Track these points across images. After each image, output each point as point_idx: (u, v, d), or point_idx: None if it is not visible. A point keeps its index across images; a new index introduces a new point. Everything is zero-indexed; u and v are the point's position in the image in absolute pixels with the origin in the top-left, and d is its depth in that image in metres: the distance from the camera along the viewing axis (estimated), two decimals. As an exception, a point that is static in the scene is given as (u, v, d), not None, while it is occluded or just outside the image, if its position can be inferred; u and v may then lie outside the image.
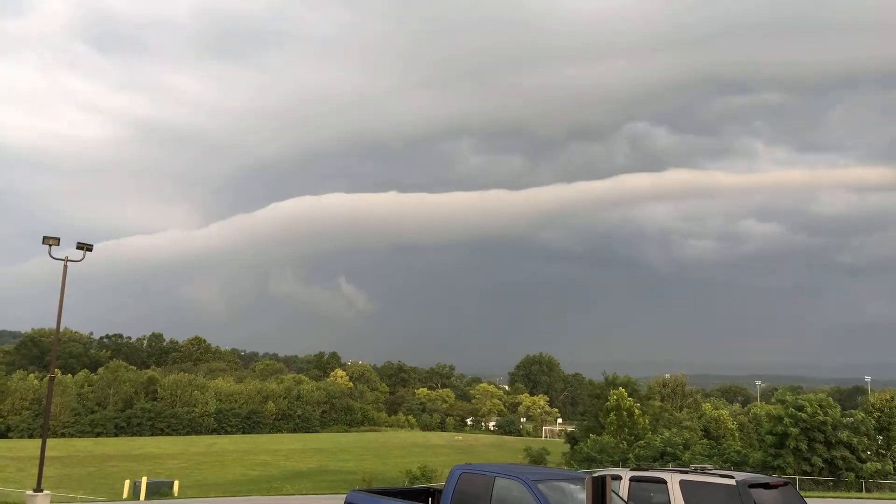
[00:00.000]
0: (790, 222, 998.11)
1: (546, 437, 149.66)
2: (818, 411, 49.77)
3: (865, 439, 52.54)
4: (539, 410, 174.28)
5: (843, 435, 50.28)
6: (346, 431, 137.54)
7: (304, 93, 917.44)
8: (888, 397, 57.38)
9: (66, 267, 40.69)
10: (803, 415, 49.57)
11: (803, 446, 49.85)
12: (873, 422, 54.55)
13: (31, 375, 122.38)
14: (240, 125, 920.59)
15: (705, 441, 65.20)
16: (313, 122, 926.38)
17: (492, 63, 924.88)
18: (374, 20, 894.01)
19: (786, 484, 15.11)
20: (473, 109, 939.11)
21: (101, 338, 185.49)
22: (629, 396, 70.40)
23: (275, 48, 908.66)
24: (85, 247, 36.98)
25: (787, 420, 49.71)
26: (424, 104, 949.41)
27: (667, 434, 56.32)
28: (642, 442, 58.47)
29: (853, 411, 56.80)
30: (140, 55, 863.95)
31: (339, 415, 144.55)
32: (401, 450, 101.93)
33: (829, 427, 49.99)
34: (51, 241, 37.44)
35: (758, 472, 27.61)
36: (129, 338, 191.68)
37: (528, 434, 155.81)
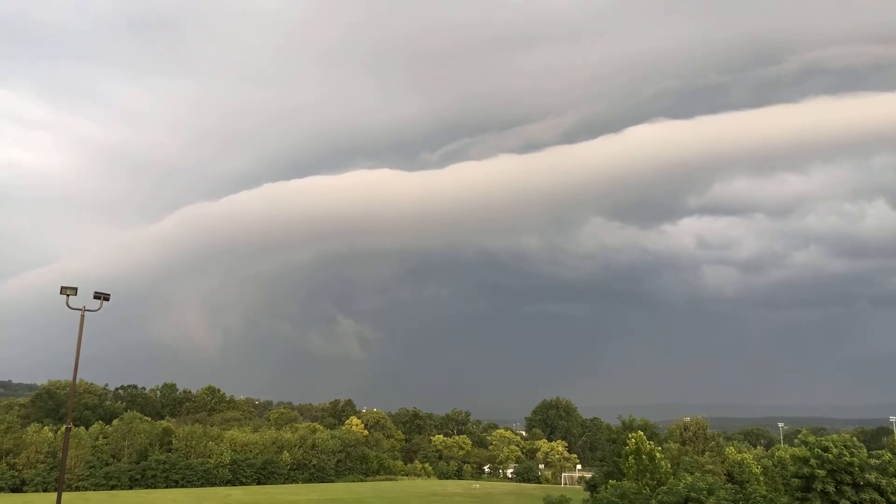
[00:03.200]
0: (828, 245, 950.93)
1: (565, 483, 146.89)
2: (844, 452, 48.68)
3: (894, 481, 51.20)
4: (557, 456, 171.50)
5: (871, 476, 49.05)
6: (362, 481, 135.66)
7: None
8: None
9: (83, 317, 40.85)
10: (829, 456, 48.48)
11: (831, 489, 48.62)
12: (901, 462, 53.21)
13: (46, 428, 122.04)
14: (189, 139, 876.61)
15: (730, 486, 63.82)
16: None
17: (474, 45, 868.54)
18: (334, 12, 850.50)
19: None
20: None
21: (116, 389, 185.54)
22: (648, 440, 69.17)
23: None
24: (102, 296, 37.17)
25: (813, 461, 48.61)
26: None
27: (690, 479, 55.12)
28: (665, 487, 57.25)
29: (880, 452, 55.51)
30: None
31: (354, 464, 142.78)
32: (418, 499, 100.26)
33: (857, 469, 48.81)
34: (68, 291, 37.67)
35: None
36: (144, 388, 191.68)
37: (547, 481, 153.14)
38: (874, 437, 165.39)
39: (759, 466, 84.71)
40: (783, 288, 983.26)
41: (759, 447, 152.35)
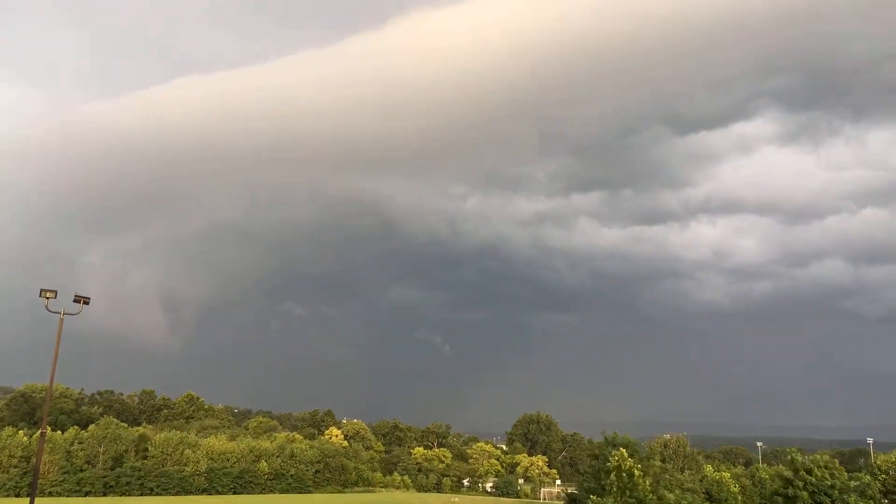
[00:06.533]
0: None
1: (544, 498, 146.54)
2: (826, 475, 49.02)
3: (872, 503, 51.52)
4: (537, 471, 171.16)
5: (851, 499, 49.33)
6: (341, 492, 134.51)
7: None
8: (894, 459, 56.34)
9: (61, 321, 40.20)
10: (812, 479, 48.79)
11: (810, 510, 48.89)
12: (879, 485, 53.59)
13: (21, 432, 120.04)
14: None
15: (708, 504, 63.96)
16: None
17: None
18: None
19: None
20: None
21: (93, 394, 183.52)
22: (630, 457, 69.12)
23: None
24: (82, 300, 36.58)
25: (797, 482, 48.92)
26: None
27: (672, 497, 55.13)
28: (645, 505, 57.20)
29: (859, 474, 55.92)
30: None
31: (333, 474, 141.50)
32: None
33: (836, 491, 49.09)
34: (48, 293, 37.06)
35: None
36: (121, 394, 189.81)
37: (526, 496, 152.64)
38: (851, 458, 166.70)
39: (738, 485, 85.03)
40: (776, 300, 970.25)
41: (738, 466, 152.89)
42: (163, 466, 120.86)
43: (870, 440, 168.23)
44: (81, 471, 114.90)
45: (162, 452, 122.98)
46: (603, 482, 67.90)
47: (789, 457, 53.86)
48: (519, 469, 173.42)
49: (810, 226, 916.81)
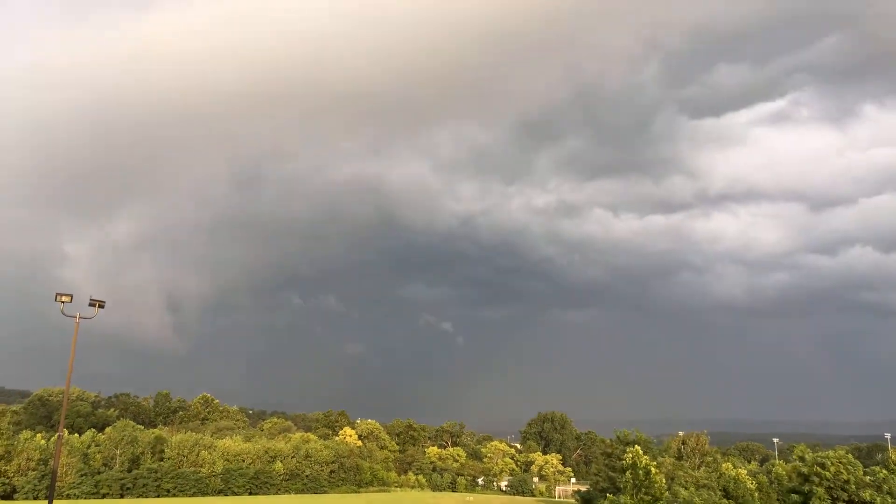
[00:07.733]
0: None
1: (559, 497, 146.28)
2: (841, 470, 48.78)
3: (889, 498, 51.12)
4: (552, 470, 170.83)
5: (866, 494, 48.99)
6: (356, 492, 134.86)
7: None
8: (911, 454, 55.96)
9: (77, 326, 40.57)
10: (827, 474, 48.60)
11: (827, 506, 48.65)
12: (896, 480, 53.18)
13: (39, 435, 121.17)
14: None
15: (725, 501, 63.67)
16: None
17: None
18: None
19: None
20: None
21: (109, 397, 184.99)
22: (644, 454, 68.89)
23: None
24: (98, 303, 36.84)
25: (815, 479, 48.76)
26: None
27: (685, 493, 54.93)
28: (661, 503, 57.03)
29: (875, 468, 55.49)
30: None
31: (347, 474, 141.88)
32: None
33: (853, 486, 48.80)
34: (63, 297, 37.38)
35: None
36: (137, 396, 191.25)
37: (541, 494, 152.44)
38: (868, 453, 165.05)
39: (754, 482, 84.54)
40: (792, 294, 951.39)
41: (753, 462, 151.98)
42: (179, 468, 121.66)
43: (888, 435, 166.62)
44: (99, 473, 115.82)
45: (178, 454, 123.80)
46: (617, 480, 67.71)
47: (796, 453, 53.71)
48: (533, 468, 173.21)
49: (844, 209, 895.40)
